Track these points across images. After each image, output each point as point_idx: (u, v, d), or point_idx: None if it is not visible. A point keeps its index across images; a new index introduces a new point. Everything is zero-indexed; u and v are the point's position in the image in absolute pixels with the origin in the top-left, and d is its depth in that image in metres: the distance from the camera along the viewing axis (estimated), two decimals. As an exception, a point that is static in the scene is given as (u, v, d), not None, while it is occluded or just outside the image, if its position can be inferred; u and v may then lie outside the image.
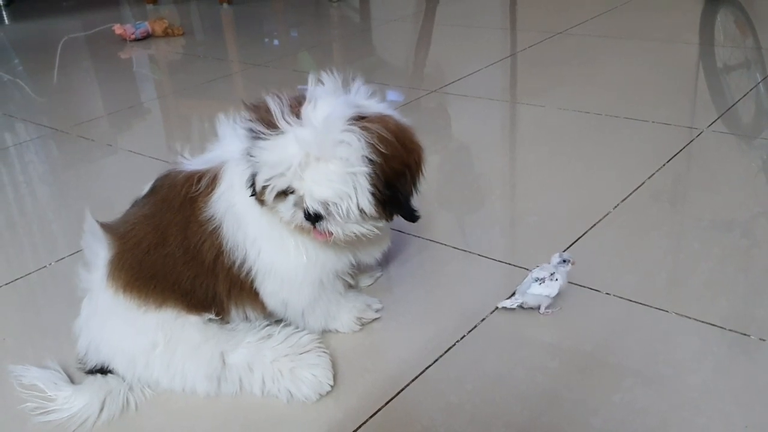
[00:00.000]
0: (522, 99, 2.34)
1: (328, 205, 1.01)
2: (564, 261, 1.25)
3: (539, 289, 1.24)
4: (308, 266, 1.13)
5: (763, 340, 1.15)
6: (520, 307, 1.26)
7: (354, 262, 1.19)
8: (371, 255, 1.21)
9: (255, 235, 1.11)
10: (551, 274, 1.24)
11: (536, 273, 1.26)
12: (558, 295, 1.24)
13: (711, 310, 1.23)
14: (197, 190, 1.11)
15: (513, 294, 1.28)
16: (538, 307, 1.25)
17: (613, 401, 1.06)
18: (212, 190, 1.11)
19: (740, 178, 1.69)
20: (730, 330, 1.18)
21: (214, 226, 1.10)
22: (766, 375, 1.08)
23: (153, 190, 1.19)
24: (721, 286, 1.29)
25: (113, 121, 2.49)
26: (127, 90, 2.85)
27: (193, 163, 1.17)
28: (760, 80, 2.30)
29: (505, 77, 2.61)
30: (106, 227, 1.16)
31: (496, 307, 1.28)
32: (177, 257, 1.12)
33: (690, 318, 1.21)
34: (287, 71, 2.87)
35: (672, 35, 2.86)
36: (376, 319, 1.28)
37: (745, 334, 1.17)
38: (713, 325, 1.19)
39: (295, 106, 1.01)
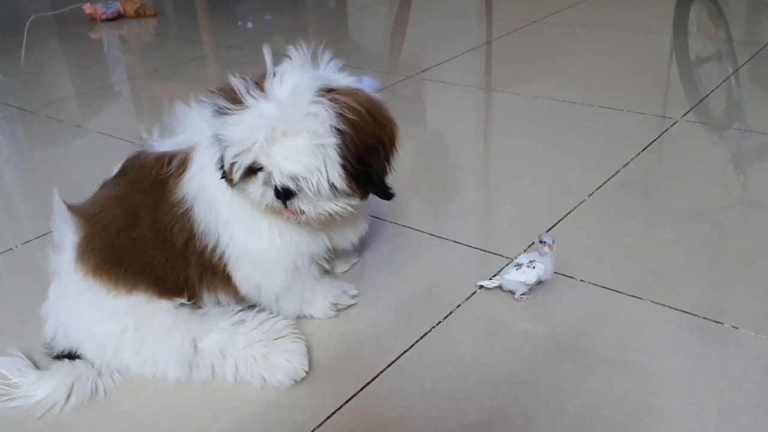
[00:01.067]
0: (498, 87, 2.34)
1: (298, 180, 0.98)
2: (541, 242, 1.24)
3: (515, 275, 1.24)
4: (282, 250, 1.11)
5: (736, 327, 1.16)
6: (500, 288, 1.27)
7: (330, 246, 1.17)
8: (348, 239, 1.20)
9: (227, 218, 1.09)
10: (530, 261, 1.24)
11: (519, 258, 1.26)
12: (538, 282, 1.24)
13: (685, 298, 1.24)
14: (168, 172, 1.09)
15: (496, 275, 1.29)
16: (514, 293, 1.25)
17: (587, 387, 1.06)
18: (183, 171, 1.09)
19: (713, 168, 1.70)
20: (703, 318, 1.19)
21: (184, 208, 1.08)
22: (739, 362, 1.09)
23: (122, 171, 1.16)
24: (695, 275, 1.30)
25: (82, 102, 2.44)
26: (97, 71, 2.79)
27: (163, 144, 1.14)
28: (731, 73, 2.33)
29: (481, 64, 2.60)
30: (73, 209, 1.13)
31: (477, 285, 1.29)
32: (147, 240, 1.09)
33: (664, 305, 1.22)
34: (261, 54, 2.82)
35: (647, 26, 2.88)
36: (352, 305, 1.27)
37: (718, 322, 1.18)
38: (687, 312, 1.20)
39: (261, 82, 0.99)
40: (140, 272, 1.10)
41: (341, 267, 1.37)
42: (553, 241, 1.24)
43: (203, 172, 1.08)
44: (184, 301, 1.13)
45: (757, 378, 1.06)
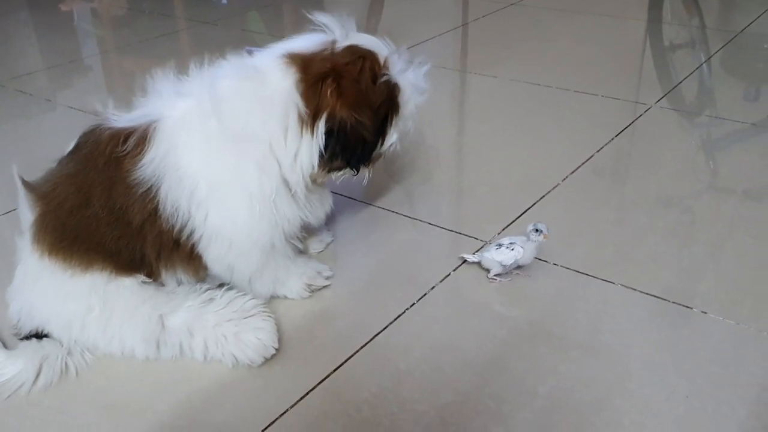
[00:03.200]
0: (474, 69, 2.33)
1: None
2: (537, 230, 1.25)
3: (494, 254, 1.25)
4: (262, 228, 1.10)
5: (705, 312, 1.18)
6: (479, 265, 1.29)
7: (307, 220, 1.17)
8: (318, 215, 1.21)
9: (202, 199, 1.07)
10: (510, 243, 1.25)
11: (502, 239, 1.27)
12: (516, 266, 1.26)
13: (656, 283, 1.25)
14: (124, 150, 1.06)
15: (479, 250, 1.31)
16: (488, 271, 1.27)
17: (559, 370, 1.07)
18: (141, 151, 1.06)
19: (684, 154, 1.72)
20: (673, 302, 1.21)
21: (144, 188, 1.06)
22: (707, 347, 1.11)
23: (77, 147, 1.13)
24: (666, 260, 1.32)
25: (52, 75, 2.39)
26: (67, 44, 2.74)
27: (120, 120, 1.11)
28: (704, 60, 2.35)
29: (457, 46, 2.60)
30: (29, 186, 1.10)
31: (460, 258, 1.31)
32: (101, 218, 1.07)
33: (635, 290, 1.24)
34: (235, 31, 2.80)
35: (622, 11, 2.89)
36: (326, 286, 1.26)
37: (687, 307, 1.19)
38: (657, 297, 1.22)
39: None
40: (93, 249, 1.08)
41: (316, 247, 1.37)
42: (547, 231, 1.26)
43: (174, 153, 1.06)
44: (145, 278, 1.12)
45: (725, 362, 1.08)
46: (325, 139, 1.07)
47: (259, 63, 1.09)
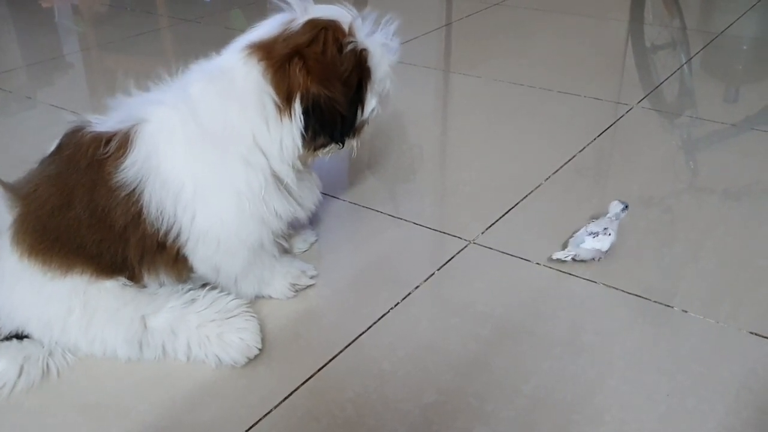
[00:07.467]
0: (457, 68, 2.34)
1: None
2: (626, 207, 1.32)
3: (592, 243, 1.28)
4: (251, 225, 1.10)
5: (685, 311, 1.19)
6: (573, 259, 1.30)
7: (295, 214, 1.17)
8: (307, 207, 1.20)
9: (188, 201, 1.07)
10: (604, 229, 1.28)
11: (591, 227, 1.30)
12: (609, 249, 1.30)
13: (637, 282, 1.26)
14: (105, 153, 1.06)
15: (566, 246, 1.33)
16: (591, 260, 1.30)
17: (542, 369, 1.08)
18: (124, 154, 1.05)
19: (665, 154, 1.74)
20: (654, 301, 1.22)
21: (127, 192, 1.05)
22: (688, 345, 1.12)
23: (59, 149, 1.12)
24: (647, 259, 1.33)
25: (33, 72, 2.37)
26: (48, 41, 2.71)
27: (101, 122, 1.10)
28: (684, 61, 2.37)
29: (440, 46, 2.60)
30: (8, 187, 1.10)
31: (553, 258, 1.31)
32: (82, 220, 1.06)
33: (617, 289, 1.25)
34: (219, 28, 2.79)
35: (604, 12, 2.91)
36: (310, 285, 1.26)
37: (668, 306, 1.21)
38: (639, 296, 1.23)
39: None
40: (74, 252, 1.07)
41: (300, 246, 1.37)
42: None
43: (156, 156, 1.05)
44: (126, 281, 1.11)
45: (705, 360, 1.09)
46: (304, 118, 1.07)
47: (224, 61, 1.10)
